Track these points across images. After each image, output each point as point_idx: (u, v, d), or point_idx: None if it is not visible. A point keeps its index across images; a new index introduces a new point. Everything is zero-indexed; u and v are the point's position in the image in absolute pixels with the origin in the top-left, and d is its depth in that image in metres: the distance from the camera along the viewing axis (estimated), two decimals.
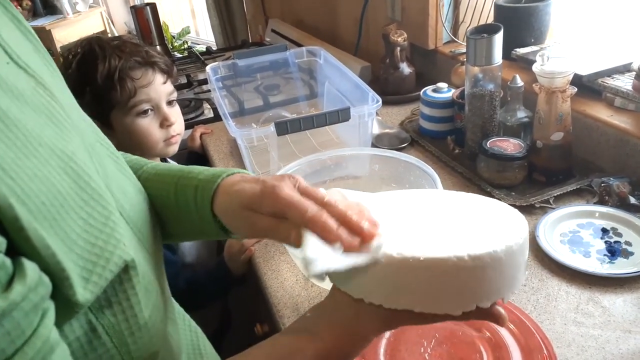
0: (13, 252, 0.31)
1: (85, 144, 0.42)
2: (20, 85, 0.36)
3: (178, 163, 1.17)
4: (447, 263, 0.39)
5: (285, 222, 0.43)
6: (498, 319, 0.43)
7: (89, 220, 0.36)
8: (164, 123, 1.03)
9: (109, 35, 4.17)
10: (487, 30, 0.95)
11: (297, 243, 0.41)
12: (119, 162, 0.50)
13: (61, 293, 0.33)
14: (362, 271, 0.42)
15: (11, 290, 0.30)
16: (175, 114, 1.06)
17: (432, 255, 0.40)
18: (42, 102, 0.38)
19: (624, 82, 0.95)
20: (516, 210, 0.48)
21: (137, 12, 2.01)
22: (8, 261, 0.30)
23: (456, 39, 1.36)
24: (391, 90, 1.36)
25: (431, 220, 0.47)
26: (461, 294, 0.41)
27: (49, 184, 0.34)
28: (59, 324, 0.34)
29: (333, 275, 0.45)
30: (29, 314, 0.31)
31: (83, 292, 0.34)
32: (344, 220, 0.42)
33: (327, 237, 0.41)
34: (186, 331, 0.60)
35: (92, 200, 0.37)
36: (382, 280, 0.41)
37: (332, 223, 0.41)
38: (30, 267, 0.31)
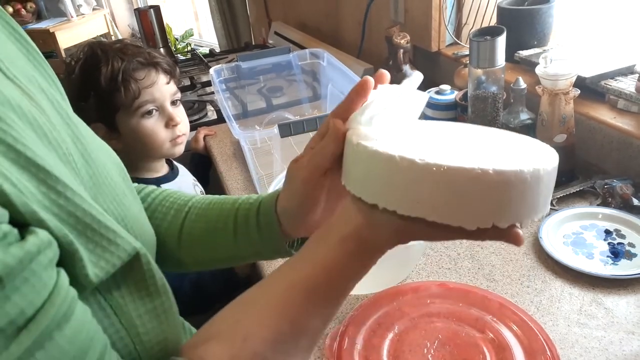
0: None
1: (69, 156, 0.41)
2: (6, 91, 0.36)
3: (182, 164, 1.18)
4: (471, 173, 0.38)
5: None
6: (516, 240, 0.41)
7: (90, 212, 0.36)
8: (170, 123, 1.04)
9: (113, 37, 4.19)
10: (489, 33, 0.95)
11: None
12: (112, 165, 0.50)
13: (70, 267, 0.34)
14: (380, 175, 0.41)
15: (26, 241, 0.30)
16: (180, 114, 1.07)
17: (456, 164, 0.38)
18: (26, 110, 0.37)
19: (627, 84, 0.96)
20: (549, 146, 0.46)
21: (140, 14, 2.02)
22: (15, 230, 0.30)
23: (459, 41, 1.37)
24: None
25: (463, 142, 0.46)
26: (479, 207, 0.39)
27: (46, 175, 0.34)
28: None
29: (349, 180, 0.45)
30: (48, 267, 0.31)
31: (93, 269, 0.35)
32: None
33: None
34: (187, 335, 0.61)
35: (76, 196, 0.37)
36: (399, 185, 0.40)
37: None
38: (41, 230, 0.31)
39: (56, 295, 0.31)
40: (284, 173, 0.88)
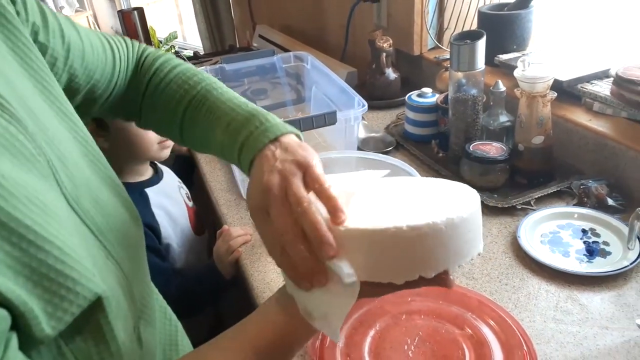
0: None
1: (50, 169, 0.41)
2: None
3: (166, 166, 1.18)
4: (387, 232, 0.41)
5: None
6: (446, 284, 0.44)
7: (46, 261, 0.35)
8: None
9: None
10: (470, 37, 0.97)
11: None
12: (98, 165, 0.51)
13: (20, 329, 0.33)
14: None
15: None
16: None
17: (373, 226, 0.42)
18: (7, 126, 0.37)
19: (603, 88, 0.98)
20: (472, 189, 0.50)
21: (124, 16, 2.01)
22: None
23: (441, 45, 1.39)
24: (377, 95, 1.38)
25: (384, 197, 0.49)
26: (402, 263, 0.42)
27: (11, 221, 0.33)
28: (25, 351, 0.34)
29: None
30: None
31: (45, 328, 0.34)
32: (312, 234, 0.44)
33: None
34: (166, 325, 0.61)
35: (43, 242, 0.35)
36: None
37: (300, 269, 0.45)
38: None
39: None
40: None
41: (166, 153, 1.08)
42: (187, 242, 1.11)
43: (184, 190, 1.19)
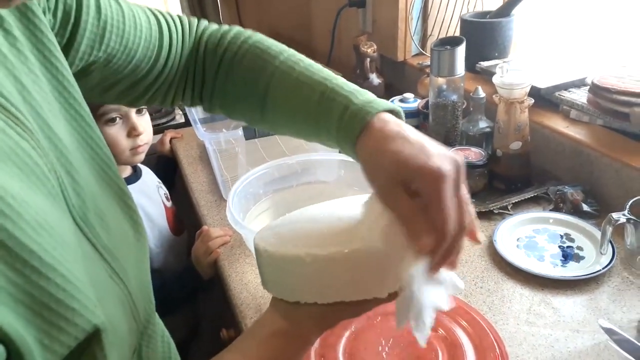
0: None
1: (60, 187, 0.40)
2: None
3: (147, 166, 1.17)
4: (361, 251, 0.43)
5: (423, 217, 0.41)
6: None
7: (48, 289, 0.34)
8: (132, 132, 1.02)
9: None
10: (450, 43, 0.98)
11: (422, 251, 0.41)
12: (110, 176, 0.49)
13: (18, 357, 0.32)
14: (293, 274, 0.45)
15: None
16: (144, 124, 1.06)
17: (347, 248, 0.43)
18: (10, 146, 0.36)
19: (580, 96, 1.00)
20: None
21: None
22: None
23: (424, 52, 1.40)
24: None
25: (348, 217, 0.50)
26: (382, 277, 0.44)
27: (16, 246, 0.32)
28: None
29: (268, 284, 0.49)
30: None
31: (45, 355, 0.33)
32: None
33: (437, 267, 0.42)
34: (159, 344, 0.59)
35: (48, 269, 0.34)
36: (311, 278, 0.45)
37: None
38: None
39: None
40: (247, 174, 0.89)
41: (140, 158, 1.07)
42: (166, 242, 1.10)
43: (163, 190, 1.18)
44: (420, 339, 0.43)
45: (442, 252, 0.41)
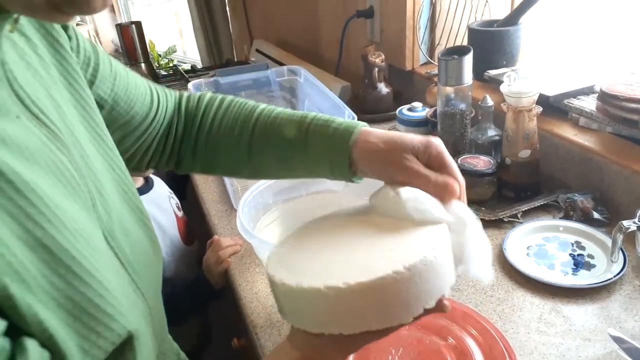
0: (13, 330, 0.31)
1: (92, 200, 0.42)
2: (30, 142, 0.36)
3: (158, 177, 1.19)
4: (388, 280, 0.42)
5: (440, 177, 0.49)
6: (444, 309, 0.46)
7: (87, 295, 0.35)
8: None
9: None
10: (458, 52, 0.99)
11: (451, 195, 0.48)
12: (130, 196, 0.51)
13: None
14: (315, 306, 0.44)
15: None
16: None
17: (374, 276, 0.42)
18: (52, 158, 0.38)
19: (588, 103, 1.00)
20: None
21: (122, 30, 2.04)
22: (7, 343, 0.30)
23: (432, 61, 1.41)
24: (369, 109, 1.39)
25: (360, 239, 0.49)
26: (408, 302, 0.43)
27: (59, 252, 0.34)
28: None
29: (287, 315, 0.48)
30: None
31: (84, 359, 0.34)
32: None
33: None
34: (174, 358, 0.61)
35: (86, 275, 0.36)
36: (336, 311, 0.43)
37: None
38: (32, 347, 0.31)
39: None
40: (257, 184, 0.90)
41: (149, 170, 1.09)
42: (177, 252, 1.11)
43: (174, 200, 1.20)
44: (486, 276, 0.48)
45: (463, 194, 0.50)
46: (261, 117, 0.60)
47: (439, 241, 0.46)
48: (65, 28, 0.48)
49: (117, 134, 0.59)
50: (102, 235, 0.42)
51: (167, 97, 0.66)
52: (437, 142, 0.51)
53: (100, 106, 0.54)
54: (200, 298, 1.03)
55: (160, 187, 1.17)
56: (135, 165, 0.64)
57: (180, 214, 1.19)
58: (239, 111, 0.62)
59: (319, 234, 0.53)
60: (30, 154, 0.35)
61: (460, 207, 0.49)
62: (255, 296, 0.82)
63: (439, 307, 0.45)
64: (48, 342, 0.32)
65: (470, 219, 0.49)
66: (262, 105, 0.62)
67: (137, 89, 0.60)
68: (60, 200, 0.36)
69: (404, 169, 0.50)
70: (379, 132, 0.53)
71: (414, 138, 0.51)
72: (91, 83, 0.53)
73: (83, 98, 0.48)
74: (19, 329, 0.31)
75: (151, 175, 1.16)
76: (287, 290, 0.44)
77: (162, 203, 1.14)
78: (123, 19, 4.43)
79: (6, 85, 0.37)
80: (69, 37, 0.49)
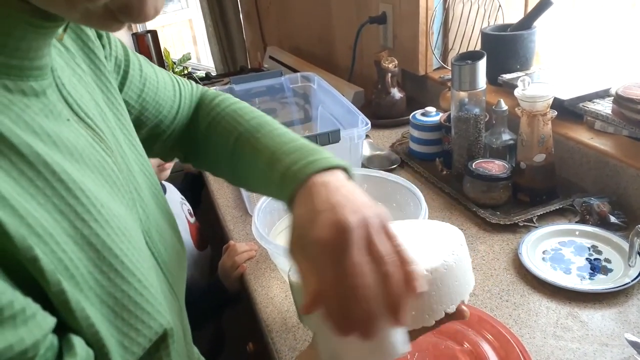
0: (61, 327, 0.32)
1: (133, 201, 0.43)
2: (79, 144, 0.38)
3: (174, 184, 1.20)
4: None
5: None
6: (464, 316, 0.46)
7: (128, 292, 0.37)
8: None
9: None
10: (471, 57, 0.99)
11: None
12: (160, 199, 0.52)
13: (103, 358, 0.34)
14: None
15: None
16: None
17: None
18: (98, 159, 0.39)
19: (604, 106, 0.99)
20: (449, 224, 0.53)
21: (138, 39, 2.08)
22: (56, 340, 0.31)
23: (445, 66, 1.41)
24: (383, 114, 1.40)
25: None
26: (430, 305, 0.44)
27: (104, 250, 0.35)
28: None
29: (311, 325, 0.47)
30: None
31: (124, 356, 0.35)
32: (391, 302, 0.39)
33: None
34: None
35: (128, 273, 0.37)
36: None
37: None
38: (79, 344, 0.32)
39: None
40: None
41: (166, 174, 1.11)
42: (190, 258, 1.13)
43: (187, 206, 1.21)
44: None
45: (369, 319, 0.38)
46: (244, 135, 0.58)
47: (459, 246, 0.47)
48: (100, 37, 0.50)
49: (147, 134, 0.61)
50: (142, 234, 0.43)
51: (192, 95, 0.66)
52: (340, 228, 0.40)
53: (128, 112, 0.55)
54: (216, 303, 1.04)
55: (173, 194, 1.19)
56: (163, 154, 0.67)
57: (192, 220, 1.20)
58: (228, 124, 0.60)
59: None
60: (79, 155, 0.37)
61: None
62: (271, 301, 0.83)
63: (459, 314, 0.46)
64: (93, 339, 0.33)
65: None
66: (255, 121, 0.59)
67: (166, 93, 0.61)
68: (106, 199, 0.37)
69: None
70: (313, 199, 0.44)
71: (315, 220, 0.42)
72: (119, 90, 0.54)
73: (115, 106, 0.49)
74: (65, 327, 0.32)
75: (163, 182, 1.18)
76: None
77: (174, 209, 1.15)
78: (138, 27, 4.49)
79: (56, 91, 0.39)
80: (103, 46, 0.50)
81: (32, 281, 0.30)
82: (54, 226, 0.32)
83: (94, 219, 0.35)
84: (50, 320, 0.31)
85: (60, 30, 0.38)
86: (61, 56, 0.43)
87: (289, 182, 0.47)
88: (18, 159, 0.31)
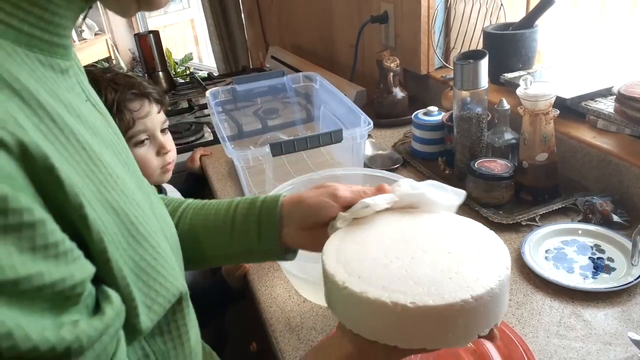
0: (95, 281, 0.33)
1: (140, 181, 0.46)
2: (96, 123, 0.41)
3: (176, 184, 1.21)
4: (455, 307, 0.42)
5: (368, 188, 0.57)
6: (493, 339, 0.47)
7: (144, 256, 0.39)
8: (161, 151, 1.07)
9: (114, 61, 4.26)
10: (473, 56, 0.99)
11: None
12: (156, 197, 0.54)
13: (128, 320, 0.36)
14: (377, 318, 0.44)
15: (105, 314, 0.32)
16: (169, 142, 1.10)
17: (443, 301, 0.42)
18: (112, 140, 0.42)
19: (606, 105, 0.99)
20: (496, 237, 0.51)
21: (140, 39, 2.08)
22: (94, 290, 0.33)
23: (447, 65, 1.41)
24: (385, 114, 1.40)
25: (419, 245, 0.49)
26: (467, 330, 0.44)
27: (123, 216, 0.37)
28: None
29: (342, 316, 0.47)
30: (113, 338, 0.33)
31: (146, 320, 0.37)
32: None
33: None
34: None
35: (142, 239, 0.39)
36: (398, 327, 0.44)
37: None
38: (114, 295, 0.34)
39: None
40: (274, 190, 0.91)
41: (168, 176, 1.11)
42: None
43: None
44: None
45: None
46: (189, 215, 0.63)
47: (505, 269, 0.45)
48: None
49: None
50: (150, 211, 0.45)
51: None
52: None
53: None
54: (220, 301, 1.05)
55: (173, 196, 1.19)
56: None
57: None
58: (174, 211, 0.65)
59: (371, 229, 0.52)
60: (97, 131, 0.39)
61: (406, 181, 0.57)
62: (274, 301, 0.83)
63: (490, 336, 0.46)
64: (126, 293, 0.35)
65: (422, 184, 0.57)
66: (191, 204, 0.65)
67: None
68: (120, 173, 0.39)
69: (337, 195, 0.56)
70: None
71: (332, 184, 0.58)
72: None
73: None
74: (100, 282, 0.34)
75: (163, 185, 1.18)
76: (348, 294, 0.44)
77: None
78: (140, 27, 4.50)
79: (75, 74, 0.41)
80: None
81: (76, 238, 0.32)
82: (87, 188, 0.34)
83: (112, 187, 0.37)
84: (91, 267, 0.33)
85: (81, 17, 0.40)
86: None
87: (271, 200, 0.59)
88: (53, 125, 0.33)
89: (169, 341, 0.42)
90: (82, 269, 0.31)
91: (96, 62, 4.13)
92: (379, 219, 0.54)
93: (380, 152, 1.25)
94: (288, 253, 0.61)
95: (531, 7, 1.25)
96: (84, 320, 0.31)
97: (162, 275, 0.40)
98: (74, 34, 4.01)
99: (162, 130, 1.08)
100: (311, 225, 0.57)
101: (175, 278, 0.41)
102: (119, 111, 0.98)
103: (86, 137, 0.36)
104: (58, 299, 0.29)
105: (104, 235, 0.33)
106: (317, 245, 0.54)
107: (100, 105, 0.44)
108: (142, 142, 1.04)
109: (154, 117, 1.05)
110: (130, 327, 0.36)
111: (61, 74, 0.38)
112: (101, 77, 1.00)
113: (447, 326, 0.43)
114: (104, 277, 0.34)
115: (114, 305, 0.33)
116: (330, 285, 0.47)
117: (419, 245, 0.49)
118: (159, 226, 0.45)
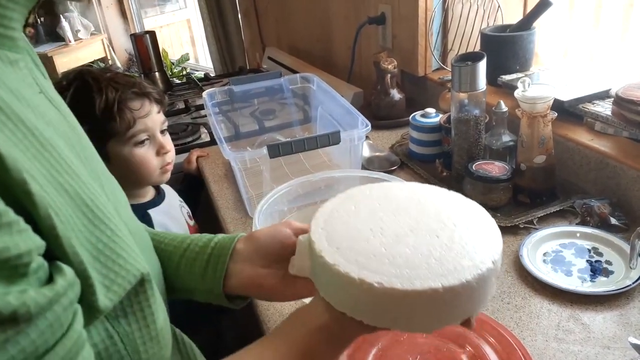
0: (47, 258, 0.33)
1: (97, 174, 0.46)
2: (49, 113, 0.40)
3: (174, 185, 1.20)
4: (422, 295, 0.41)
5: None
6: (468, 327, 0.46)
7: (101, 238, 0.39)
8: (160, 151, 1.06)
9: (110, 62, 4.25)
10: (471, 58, 0.99)
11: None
12: (123, 196, 0.54)
13: (85, 298, 0.36)
14: (345, 291, 0.43)
15: (55, 283, 0.32)
16: (169, 143, 1.10)
17: (409, 287, 0.41)
18: (64, 130, 0.42)
19: (604, 108, 0.99)
20: (497, 230, 0.48)
21: (136, 39, 2.07)
22: (46, 264, 0.33)
23: (445, 66, 1.41)
24: (382, 115, 1.40)
25: (405, 227, 0.47)
26: (435, 318, 0.43)
27: (77, 199, 0.37)
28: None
29: (317, 282, 0.48)
30: (67, 309, 0.33)
31: (104, 299, 0.37)
32: None
33: None
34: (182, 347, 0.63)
35: (99, 222, 0.39)
36: (364, 304, 0.43)
37: None
38: (67, 269, 0.34)
39: (68, 338, 0.33)
40: (273, 191, 0.90)
41: (167, 176, 1.11)
42: None
43: (185, 209, 1.21)
44: None
45: None
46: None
47: (488, 264, 0.43)
48: None
49: None
50: (107, 197, 0.44)
51: None
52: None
53: None
54: (217, 308, 1.04)
55: (172, 198, 1.19)
56: None
57: (191, 222, 1.20)
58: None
59: (371, 197, 0.52)
60: (49, 121, 0.39)
61: None
62: (272, 303, 0.82)
63: (465, 323, 0.46)
64: (79, 270, 0.35)
65: None
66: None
67: None
68: (74, 160, 0.39)
69: (290, 223, 0.58)
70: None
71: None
72: None
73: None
74: (53, 258, 0.34)
75: (162, 186, 1.17)
76: (322, 263, 0.44)
77: (174, 213, 1.15)
78: (136, 28, 4.48)
79: (27, 68, 0.41)
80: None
81: (24, 214, 0.32)
82: (36, 169, 0.34)
83: (65, 171, 0.37)
84: (39, 240, 0.32)
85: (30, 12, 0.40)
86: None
87: (225, 239, 0.60)
88: None
89: (133, 322, 0.42)
90: (29, 240, 0.31)
91: (92, 62, 4.12)
92: (383, 187, 0.53)
93: (377, 153, 1.25)
94: (233, 298, 0.60)
95: (529, 9, 1.25)
96: (34, 288, 0.31)
97: (122, 257, 0.40)
98: (69, 34, 4.00)
99: (162, 131, 1.08)
100: (265, 256, 0.56)
101: (135, 260, 0.41)
102: (119, 110, 0.98)
103: (35, 124, 0.36)
104: (4, 268, 0.29)
105: (53, 212, 0.33)
106: (269, 288, 0.56)
107: (57, 102, 0.44)
108: (142, 142, 1.03)
109: (154, 117, 1.05)
110: (87, 305, 0.36)
111: (10, 65, 0.38)
112: (101, 76, 1.00)
113: (413, 312, 0.42)
114: (56, 253, 0.34)
115: (67, 277, 0.33)
116: (310, 250, 0.47)
117: (409, 223, 0.48)
118: (119, 217, 0.45)
